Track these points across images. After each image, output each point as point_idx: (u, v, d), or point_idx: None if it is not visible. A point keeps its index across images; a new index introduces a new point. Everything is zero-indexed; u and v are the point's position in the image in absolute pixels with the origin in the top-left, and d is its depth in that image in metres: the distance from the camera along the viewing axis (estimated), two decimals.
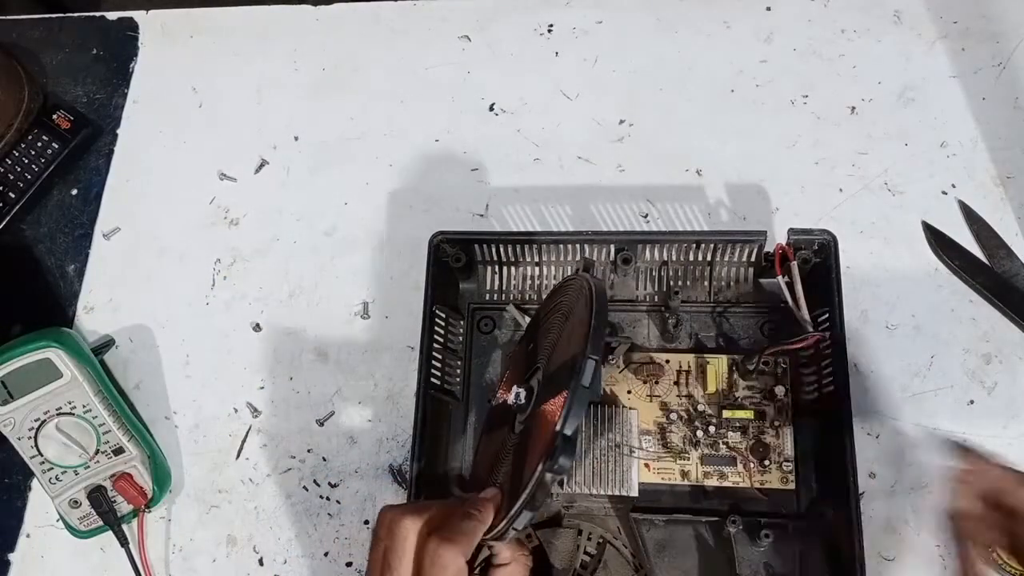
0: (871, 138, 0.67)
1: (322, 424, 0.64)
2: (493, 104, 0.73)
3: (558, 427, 0.43)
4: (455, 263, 0.60)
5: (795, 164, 0.67)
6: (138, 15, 0.80)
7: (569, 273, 0.61)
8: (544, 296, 0.61)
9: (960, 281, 0.62)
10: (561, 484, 0.54)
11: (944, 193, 0.65)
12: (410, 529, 0.45)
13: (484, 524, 0.46)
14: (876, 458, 0.58)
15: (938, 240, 0.63)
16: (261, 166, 0.73)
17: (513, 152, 0.70)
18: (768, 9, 0.73)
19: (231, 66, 0.77)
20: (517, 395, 0.51)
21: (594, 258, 0.60)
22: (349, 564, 0.60)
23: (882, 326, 0.61)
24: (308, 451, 0.63)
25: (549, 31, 0.75)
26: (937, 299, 0.62)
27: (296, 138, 0.74)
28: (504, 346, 0.62)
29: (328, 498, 0.62)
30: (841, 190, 0.66)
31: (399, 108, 0.74)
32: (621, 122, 0.71)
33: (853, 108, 0.69)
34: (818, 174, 0.67)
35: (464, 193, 0.69)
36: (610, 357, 0.58)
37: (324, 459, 0.63)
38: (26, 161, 0.73)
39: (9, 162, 0.72)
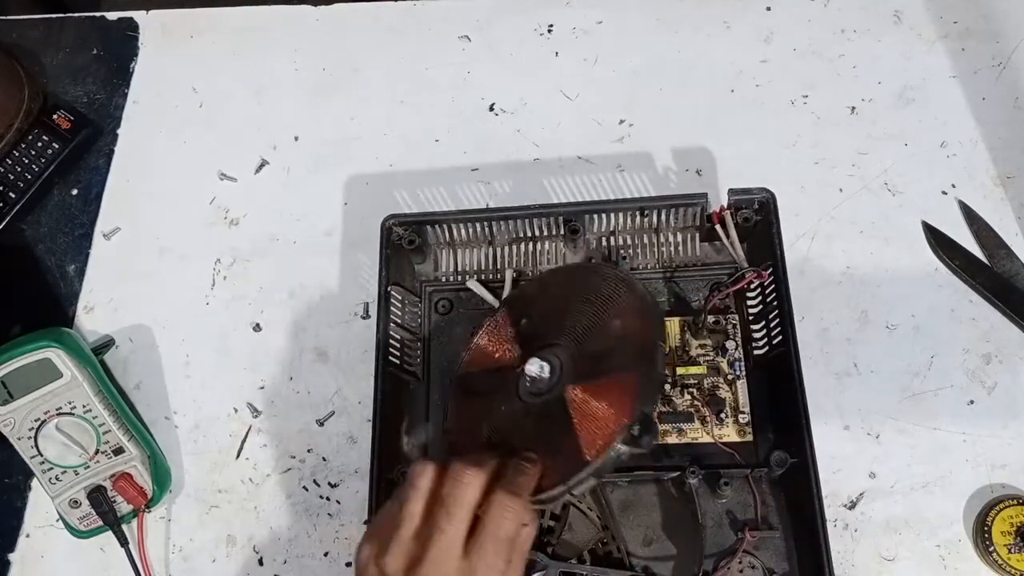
0: (871, 138, 0.67)
1: (322, 424, 0.64)
2: (493, 104, 0.73)
3: (644, 409, 0.46)
4: (408, 245, 0.61)
5: (795, 164, 0.67)
6: (138, 15, 0.80)
7: (551, 254, 0.63)
8: (513, 274, 0.62)
9: (960, 281, 0.62)
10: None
11: (944, 193, 0.65)
12: (475, 477, 0.44)
13: (535, 480, 0.46)
14: (876, 458, 0.58)
15: (938, 240, 0.63)
16: (261, 166, 0.73)
17: (513, 152, 0.70)
18: (768, 9, 0.73)
19: (231, 66, 0.77)
20: (541, 368, 0.51)
21: (543, 231, 0.62)
22: (349, 564, 0.60)
23: (882, 326, 0.61)
24: (308, 451, 0.63)
25: (549, 31, 0.75)
26: (937, 299, 0.62)
27: (296, 138, 0.74)
28: (464, 324, 0.62)
29: (328, 498, 0.62)
30: (841, 190, 0.66)
31: (399, 108, 0.74)
32: (621, 122, 0.71)
33: (853, 108, 0.69)
34: (818, 174, 0.67)
35: (464, 193, 0.69)
36: None
37: (324, 459, 0.63)
38: (26, 161, 0.73)
39: (9, 162, 0.72)
